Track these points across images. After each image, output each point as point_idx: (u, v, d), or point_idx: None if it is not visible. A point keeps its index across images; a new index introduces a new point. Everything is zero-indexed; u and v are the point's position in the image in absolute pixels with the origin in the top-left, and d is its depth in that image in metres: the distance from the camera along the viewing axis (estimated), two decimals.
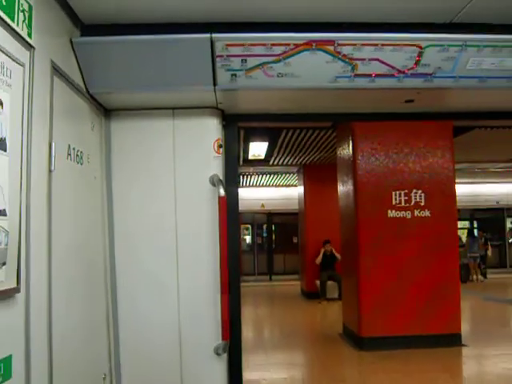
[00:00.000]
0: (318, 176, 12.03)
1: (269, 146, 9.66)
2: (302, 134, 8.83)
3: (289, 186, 15.69)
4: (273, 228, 17.61)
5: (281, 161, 11.48)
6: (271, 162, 11.49)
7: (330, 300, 11.05)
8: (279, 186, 16.13)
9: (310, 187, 12.56)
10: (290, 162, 11.84)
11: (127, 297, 2.68)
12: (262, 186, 15.89)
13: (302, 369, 6.57)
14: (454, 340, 6.87)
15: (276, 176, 14.55)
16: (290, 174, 14.04)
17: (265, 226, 17.53)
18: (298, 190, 13.81)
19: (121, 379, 2.67)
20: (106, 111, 2.66)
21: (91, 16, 2.21)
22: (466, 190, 13.89)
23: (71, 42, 2.18)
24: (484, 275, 15.55)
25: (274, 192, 16.28)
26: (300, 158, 11.26)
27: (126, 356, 2.68)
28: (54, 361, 1.90)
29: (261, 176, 14.20)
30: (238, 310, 2.83)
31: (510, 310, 10.22)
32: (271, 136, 8.84)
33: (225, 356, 2.72)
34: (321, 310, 10.77)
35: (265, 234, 17.59)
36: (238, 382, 2.88)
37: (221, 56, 2.24)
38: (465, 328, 7.34)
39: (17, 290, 1.64)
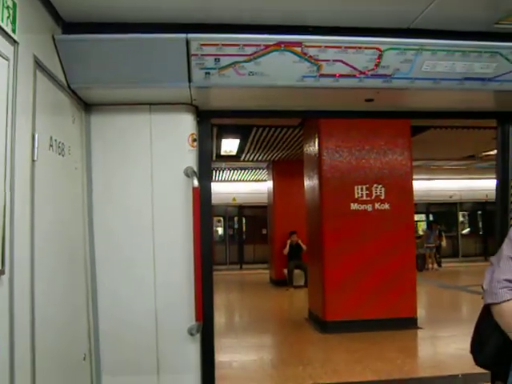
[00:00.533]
0: (286, 171, 12.16)
1: (240, 143, 9.71)
2: (272, 132, 8.91)
3: (259, 180, 15.75)
4: (243, 220, 17.69)
5: (251, 157, 11.54)
6: (242, 158, 11.53)
7: (297, 287, 11.18)
8: (250, 180, 16.18)
9: (279, 182, 12.68)
10: (260, 158, 11.91)
11: (106, 281, 2.68)
12: (234, 180, 15.91)
13: (270, 351, 6.65)
14: (410, 323, 7.08)
15: (247, 171, 14.59)
16: (259, 169, 14.10)
17: (236, 219, 17.60)
18: (268, 185, 13.90)
19: (100, 359, 2.68)
20: (86, 106, 2.65)
21: (72, 14, 2.20)
22: (422, 186, 14.18)
23: (53, 38, 2.17)
24: (439, 264, 15.98)
25: (244, 186, 16.33)
26: (269, 154, 11.33)
27: (104, 337, 2.68)
28: (36, 341, 1.90)
29: (232, 171, 14.23)
30: (210, 293, 2.86)
31: (462, 296, 10.51)
32: (243, 133, 8.89)
33: (198, 336, 2.76)
34: (288, 296, 10.90)
35: (236, 226, 17.66)
36: (210, 360, 2.91)
37: (195, 55, 2.26)
38: (420, 312, 7.56)
39: (1, 271, 1.64)
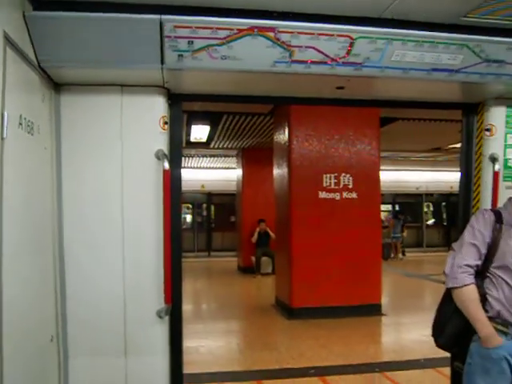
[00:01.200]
0: (255, 159, 12.25)
1: (210, 130, 9.69)
2: (242, 119, 8.93)
3: (228, 168, 15.76)
4: (212, 208, 17.70)
5: (221, 144, 11.55)
6: (212, 146, 11.52)
7: (264, 275, 11.35)
8: (219, 168, 16.18)
9: (248, 170, 12.76)
10: (229, 146, 11.94)
11: (74, 263, 2.67)
12: (203, 167, 15.87)
13: (237, 336, 6.76)
14: (374, 310, 7.30)
15: (216, 158, 14.58)
16: (229, 156, 14.12)
17: (204, 206, 17.57)
18: (237, 173, 13.92)
19: (67, 341, 2.68)
20: (56, 85, 2.61)
21: None
22: (389, 177, 14.47)
23: (24, 16, 2.13)
24: (403, 253, 16.41)
25: (213, 174, 16.30)
26: (239, 142, 11.37)
27: (72, 319, 2.68)
28: (3, 321, 1.89)
29: (202, 158, 14.18)
30: (179, 276, 2.88)
31: (425, 284, 10.87)
32: (213, 120, 8.89)
33: (167, 319, 2.78)
34: (255, 283, 11.07)
35: (204, 213, 17.64)
36: (178, 343, 2.94)
37: (169, 37, 2.26)
38: (385, 299, 7.80)
39: None
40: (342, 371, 4.80)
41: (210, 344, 5.98)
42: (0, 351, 1.86)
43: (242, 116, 8.64)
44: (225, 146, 11.81)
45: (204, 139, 10.44)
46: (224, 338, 6.43)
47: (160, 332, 2.78)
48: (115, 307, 2.70)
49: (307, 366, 5.01)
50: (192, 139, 10.31)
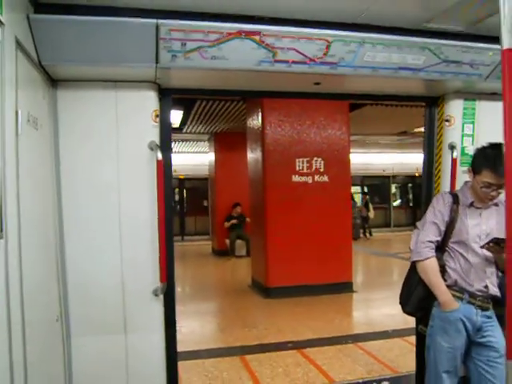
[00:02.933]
0: (228, 144, 12.39)
1: (184, 115, 9.78)
2: (215, 105, 9.07)
3: (200, 152, 15.86)
4: (184, 192, 17.79)
5: (193, 129, 11.64)
6: (184, 130, 11.61)
7: (239, 257, 11.63)
8: (191, 152, 16.25)
9: (220, 154, 12.88)
10: (201, 131, 12.04)
11: (74, 248, 2.85)
12: (175, 152, 15.89)
13: (217, 316, 7.03)
14: (346, 287, 7.66)
15: (188, 143, 14.65)
16: (201, 141, 14.20)
17: (177, 191, 17.64)
18: (209, 157, 14.05)
19: (69, 321, 2.85)
20: (53, 81, 2.77)
21: None
22: (358, 160, 14.90)
23: (28, 18, 2.32)
24: (370, 233, 16.93)
25: (186, 158, 16.35)
26: (211, 126, 11.48)
27: (74, 300, 2.85)
28: (11, 305, 1.98)
29: (174, 143, 14.24)
30: (172, 257, 3.10)
31: (393, 262, 11.33)
32: (186, 105, 8.98)
33: (161, 297, 2.98)
34: (230, 266, 11.34)
35: (176, 198, 17.73)
36: (172, 320, 3.15)
37: (164, 39, 2.47)
38: (355, 277, 8.20)
39: (0, 236, 1.85)
40: (318, 344, 5.16)
41: (192, 324, 6.21)
42: (9, 331, 1.95)
43: (215, 101, 8.79)
44: (197, 130, 11.92)
45: (177, 125, 10.54)
46: (204, 318, 6.68)
47: (156, 308, 2.97)
48: (114, 287, 2.88)
49: (285, 340, 5.33)
50: None
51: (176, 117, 9.79)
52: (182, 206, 17.83)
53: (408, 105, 8.53)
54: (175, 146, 14.88)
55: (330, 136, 7.74)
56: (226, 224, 12.18)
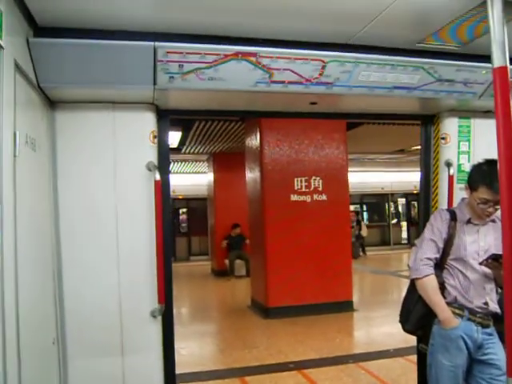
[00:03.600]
0: (227, 164, 12.39)
1: (182, 135, 9.82)
2: (214, 125, 9.09)
3: (199, 173, 15.88)
4: (180, 212, 17.76)
5: (192, 149, 11.68)
6: (183, 151, 11.65)
7: (239, 277, 11.55)
8: (189, 173, 16.27)
9: (219, 174, 12.86)
10: (200, 151, 12.07)
11: (71, 269, 2.84)
12: (174, 173, 15.92)
13: (217, 337, 6.96)
14: (347, 306, 7.59)
15: (187, 163, 14.68)
16: (200, 161, 14.24)
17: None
18: (208, 177, 14.07)
19: (66, 344, 2.82)
20: (51, 102, 2.79)
21: (46, 19, 2.35)
22: (356, 178, 14.90)
23: (27, 41, 2.35)
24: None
25: (185, 179, 16.34)
26: (210, 147, 11.51)
27: (71, 322, 2.83)
28: (6, 325, 1.95)
29: (173, 163, 14.27)
30: (170, 279, 3.08)
31: (393, 280, 11.28)
32: (185, 126, 9.01)
33: (159, 318, 2.97)
34: (230, 286, 11.26)
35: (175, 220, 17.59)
36: (170, 342, 3.13)
37: (161, 61, 2.51)
38: (356, 296, 8.16)
39: None
40: (319, 364, 5.11)
41: (191, 345, 6.16)
42: (4, 355, 1.93)
43: (214, 122, 8.82)
44: (196, 151, 11.96)
45: (175, 145, 10.58)
46: (204, 340, 6.63)
47: (154, 330, 2.95)
48: (111, 309, 2.86)
49: (286, 361, 5.28)
50: None
51: (175, 137, 9.83)
52: (178, 226, 17.52)
53: (404, 123, 8.59)
54: (174, 166, 14.91)
55: (328, 155, 7.77)
56: (224, 244, 12.14)
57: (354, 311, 7.66)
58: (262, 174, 7.57)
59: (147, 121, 2.97)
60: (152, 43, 2.45)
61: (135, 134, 2.94)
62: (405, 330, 2.86)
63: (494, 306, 2.60)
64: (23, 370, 2.11)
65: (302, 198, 7.60)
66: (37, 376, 2.41)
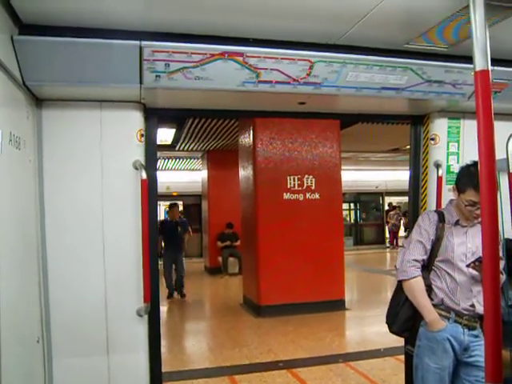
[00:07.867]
0: (221, 161, 12.40)
1: (176, 133, 9.81)
2: (208, 122, 9.09)
3: (193, 170, 15.86)
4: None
5: (186, 147, 11.67)
6: (177, 148, 11.63)
7: (232, 275, 11.57)
8: (183, 169, 16.24)
9: (213, 172, 12.86)
10: (195, 148, 12.06)
11: (56, 267, 2.82)
12: (168, 169, 15.90)
13: (208, 335, 6.95)
14: (339, 305, 7.60)
15: (181, 161, 14.66)
16: (194, 159, 14.23)
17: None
18: (202, 175, 14.05)
19: (51, 342, 2.81)
20: (38, 100, 2.77)
21: (30, 16, 2.33)
22: (350, 177, 14.92)
23: (12, 39, 2.33)
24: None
25: (179, 176, 16.32)
26: (204, 144, 11.51)
27: (56, 321, 2.81)
28: None
29: (167, 160, 14.26)
30: (156, 277, 3.08)
31: (385, 279, 11.27)
32: (178, 123, 9.01)
33: (146, 317, 2.96)
34: (223, 283, 11.27)
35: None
36: (157, 340, 3.12)
37: (147, 60, 2.49)
38: (348, 295, 8.16)
39: None
40: (309, 363, 5.11)
41: (181, 343, 6.19)
42: None
43: (208, 119, 8.82)
44: (190, 148, 11.94)
45: (169, 142, 10.57)
46: (195, 338, 6.63)
47: (140, 329, 2.94)
48: (97, 307, 2.85)
49: (276, 360, 5.28)
50: (157, 142, 10.37)
51: (169, 134, 9.82)
52: None
53: (398, 122, 8.56)
54: (168, 163, 14.89)
55: (322, 154, 7.77)
56: (220, 244, 12.13)
57: (346, 310, 7.68)
58: (255, 172, 7.56)
59: (134, 119, 2.95)
60: (138, 42, 2.43)
61: (122, 133, 2.93)
62: (391, 331, 2.85)
63: (481, 309, 2.59)
64: (3, 368, 2.09)
65: (295, 196, 7.60)
66: (20, 375, 2.40)
